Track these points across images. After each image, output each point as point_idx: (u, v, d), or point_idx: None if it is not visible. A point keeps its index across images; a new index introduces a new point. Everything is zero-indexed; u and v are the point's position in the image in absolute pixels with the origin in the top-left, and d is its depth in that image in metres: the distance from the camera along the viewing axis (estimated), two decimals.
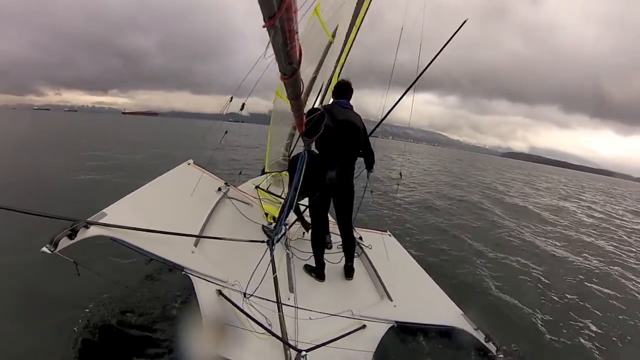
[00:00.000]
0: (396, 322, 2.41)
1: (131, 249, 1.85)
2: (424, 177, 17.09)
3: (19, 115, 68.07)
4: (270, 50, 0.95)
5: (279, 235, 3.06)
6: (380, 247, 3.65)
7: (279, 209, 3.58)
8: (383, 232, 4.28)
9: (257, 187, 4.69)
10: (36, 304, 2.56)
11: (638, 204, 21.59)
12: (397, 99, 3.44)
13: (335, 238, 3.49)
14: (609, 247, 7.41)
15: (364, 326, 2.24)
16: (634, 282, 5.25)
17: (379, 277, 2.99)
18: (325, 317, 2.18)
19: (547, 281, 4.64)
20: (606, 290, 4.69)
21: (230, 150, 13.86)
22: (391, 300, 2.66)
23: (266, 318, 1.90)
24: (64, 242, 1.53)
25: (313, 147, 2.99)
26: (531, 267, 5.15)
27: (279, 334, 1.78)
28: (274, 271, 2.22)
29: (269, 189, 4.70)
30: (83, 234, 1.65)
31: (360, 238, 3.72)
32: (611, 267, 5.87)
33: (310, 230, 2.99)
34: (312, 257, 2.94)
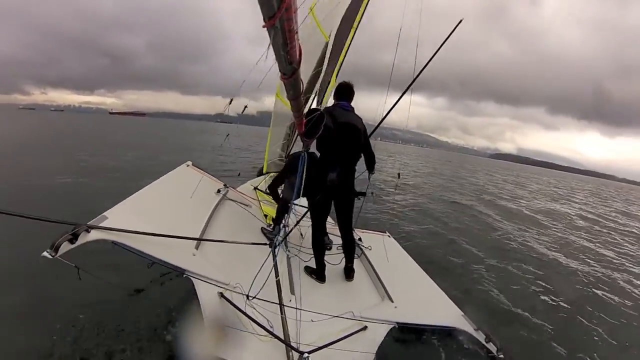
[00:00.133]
0: (397, 323, 2.41)
1: (133, 253, 1.84)
2: (413, 178, 16.75)
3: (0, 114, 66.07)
4: (271, 51, 0.95)
5: (281, 239, 3.07)
6: (380, 248, 3.65)
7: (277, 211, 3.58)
8: (382, 233, 4.29)
9: (255, 188, 4.69)
10: (37, 308, 2.54)
11: (629, 205, 22.09)
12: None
13: (334, 239, 3.50)
14: (604, 249, 7.47)
15: (365, 327, 2.24)
16: (629, 282, 5.31)
17: (379, 278, 2.99)
18: (326, 318, 2.18)
19: (546, 282, 4.68)
20: (605, 291, 4.74)
21: (222, 152, 13.88)
22: (392, 302, 2.66)
23: (268, 320, 1.90)
24: (65, 247, 1.51)
25: (313, 149, 2.99)
26: (530, 269, 5.17)
27: (281, 336, 1.78)
28: (276, 274, 2.21)
29: (267, 190, 4.71)
30: (84, 238, 1.63)
31: (360, 239, 3.72)
32: (609, 268, 5.94)
33: (312, 233, 2.97)
34: (312, 259, 2.94)
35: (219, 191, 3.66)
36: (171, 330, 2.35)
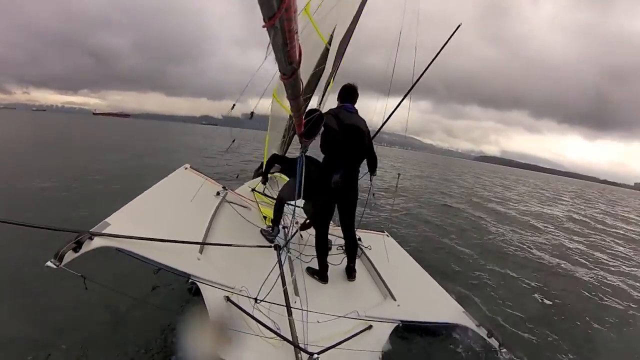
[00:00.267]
0: (401, 321, 2.44)
1: (137, 259, 1.82)
2: (402, 182, 16.12)
3: None
4: (271, 51, 0.95)
5: (285, 242, 3.06)
6: (380, 247, 3.67)
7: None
8: (382, 233, 4.32)
9: (253, 190, 4.69)
10: (41, 316, 2.53)
11: (613, 206, 22.75)
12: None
13: (333, 239, 3.50)
14: (598, 251, 7.51)
15: (370, 326, 2.26)
16: (624, 282, 5.40)
17: (380, 277, 3.01)
18: (332, 319, 2.20)
19: (544, 283, 4.72)
20: (603, 291, 4.82)
21: (217, 154, 13.80)
22: (395, 300, 2.68)
23: (274, 322, 1.91)
24: (69, 256, 1.48)
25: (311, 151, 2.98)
26: (527, 271, 5.18)
27: (290, 338, 1.79)
28: (282, 277, 2.21)
29: (264, 192, 4.71)
30: (88, 246, 1.60)
31: (359, 239, 3.73)
32: (605, 269, 6.03)
33: (316, 234, 2.96)
34: (314, 260, 2.95)
35: (218, 194, 3.66)
36: (178, 335, 2.34)
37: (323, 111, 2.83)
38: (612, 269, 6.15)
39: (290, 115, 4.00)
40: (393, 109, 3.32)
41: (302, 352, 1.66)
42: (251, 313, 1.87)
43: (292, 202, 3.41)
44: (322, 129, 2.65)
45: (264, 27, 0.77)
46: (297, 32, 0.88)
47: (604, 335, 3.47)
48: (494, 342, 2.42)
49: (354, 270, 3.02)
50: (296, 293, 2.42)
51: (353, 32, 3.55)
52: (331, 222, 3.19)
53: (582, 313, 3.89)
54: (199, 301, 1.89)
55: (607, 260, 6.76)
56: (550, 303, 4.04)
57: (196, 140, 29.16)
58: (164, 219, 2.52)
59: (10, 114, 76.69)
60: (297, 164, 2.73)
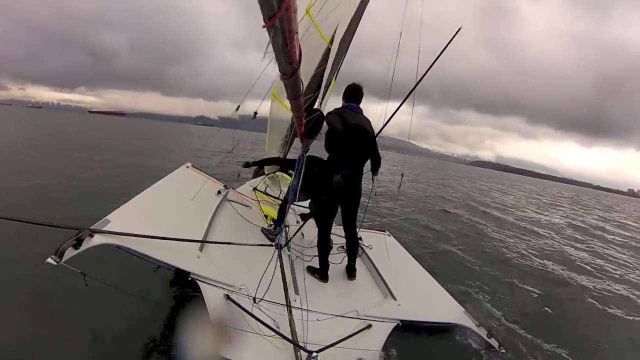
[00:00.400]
0: (401, 320, 2.44)
1: (137, 256, 1.83)
2: (401, 185, 16.10)
3: None
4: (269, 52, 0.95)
5: (287, 240, 3.07)
6: (381, 247, 3.67)
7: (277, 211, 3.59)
8: (383, 233, 4.32)
9: (254, 189, 4.70)
10: (41, 315, 2.50)
11: (611, 212, 23.04)
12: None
13: (334, 238, 3.50)
14: (599, 258, 7.47)
15: (369, 326, 2.26)
16: (626, 287, 5.41)
17: (381, 276, 3.01)
18: (332, 318, 2.20)
19: (546, 289, 4.70)
20: (605, 297, 4.82)
21: (213, 155, 13.75)
22: (395, 300, 2.68)
23: (274, 321, 1.91)
24: (70, 253, 1.48)
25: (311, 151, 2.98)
26: (530, 277, 5.15)
27: (289, 336, 1.79)
28: (283, 276, 2.21)
29: (266, 191, 4.71)
30: (88, 243, 1.60)
31: (360, 238, 3.72)
32: (607, 275, 6.04)
33: (319, 233, 2.97)
34: (314, 259, 2.94)
35: (219, 192, 3.65)
36: (177, 333, 2.33)
37: (326, 111, 2.85)
38: (613, 274, 6.17)
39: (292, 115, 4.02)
40: (393, 112, 3.34)
41: (301, 350, 1.66)
42: (251, 311, 1.87)
43: (297, 202, 3.41)
44: (327, 128, 2.67)
45: (264, 27, 0.77)
46: (297, 32, 0.88)
47: (604, 338, 3.48)
48: (493, 343, 2.42)
49: (355, 270, 3.02)
50: (296, 292, 2.41)
51: (355, 30, 3.56)
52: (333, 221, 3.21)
53: (582, 316, 3.91)
54: (199, 299, 1.89)
55: (606, 265, 6.78)
56: (551, 306, 4.05)
57: (192, 140, 29.07)
58: (164, 217, 2.52)
59: (7, 110, 75.41)
60: (297, 164, 2.74)
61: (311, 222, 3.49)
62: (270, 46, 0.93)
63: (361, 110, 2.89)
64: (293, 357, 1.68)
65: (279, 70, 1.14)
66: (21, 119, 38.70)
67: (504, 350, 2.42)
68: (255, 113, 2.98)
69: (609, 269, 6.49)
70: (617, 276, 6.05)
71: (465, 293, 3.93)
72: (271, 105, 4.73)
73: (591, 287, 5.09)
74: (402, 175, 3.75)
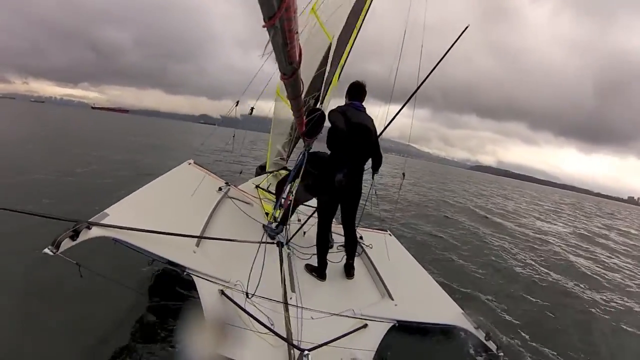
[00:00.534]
0: (397, 321, 2.42)
1: (133, 250, 1.83)
2: (402, 189, 15.87)
3: None
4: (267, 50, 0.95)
5: (288, 238, 3.07)
6: (381, 246, 3.65)
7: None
8: (384, 232, 4.30)
9: (257, 186, 4.70)
10: (35, 306, 2.51)
11: (614, 220, 22.96)
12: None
13: (335, 237, 3.50)
14: (604, 268, 7.35)
15: (365, 325, 2.24)
16: (624, 295, 5.38)
17: (379, 276, 3.00)
18: (327, 316, 2.19)
19: (547, 294, 4.68)
20: (605, 301, 4.82)
21: (212, 153, 13.74)
22: (392, 299, 2.67)
23: (268, 318, 1.91)
24: (66, 244, 1.50)
25: (314, 148, 2.99)
26: (531, 283, 5.14)
27: (282, 334, 1.78)
28: (281, 273, 2.20)
29: (269, 189, 4.71)
30: (85, 235, 1.62)
31: (361, 237, 3.72)
32: (608, 282, 6.02)
33: (318, 231, 2.96)
34: (313, 257, 2.94)
35: (220, 189, 3.65)
36: (171, 328, 2.33)
37: (327, 110, 2.85)
38: (615, 281, 6.13)
39: None
40: (394, 114, 3.34)
41: (294, 348, 1.66)
42: (244, 307, 1.87)
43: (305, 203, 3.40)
44: (329, 126, 2.67)
45: (264, 26, 0.77)
46: (297, 32, 0.88)
47: (603, 345, 3.45)
48: (491, 345, 2.40)
49: (353, 268, 3.02)
50: (293, 289, 2.40)
51: (359, 31, 3.56)
52: (334, 220, 3.21)
53: (582, 323, 3.87)
54: (194, 294, 1.89)
55: (608, 273, 6.72)
56: (551, 312, 4.02)
57: (194, 138, 29.13)
58: (163, 212, 2.52)
59: (10, 104, 75.83)
60: (297, 163, 2.75)
61: (312, 220, 3.49)
62: (271, 46, 0.94)
63: (364, 108, 2.88)
64: (286, 354, 1.67)
65: (279, 70, 1.15)
66: (24, 113, 38.82)
67: (502, 354, 2.39)
68: (252, 109, 2.97)
69: (611, 277, 6.44)
70: (621, 284, 6.00)
71: (465, 295, 3.91)
72: (275, 105, 4.74)
73: (593, 295, 5.04)
74: (403, 174, 3.72)
